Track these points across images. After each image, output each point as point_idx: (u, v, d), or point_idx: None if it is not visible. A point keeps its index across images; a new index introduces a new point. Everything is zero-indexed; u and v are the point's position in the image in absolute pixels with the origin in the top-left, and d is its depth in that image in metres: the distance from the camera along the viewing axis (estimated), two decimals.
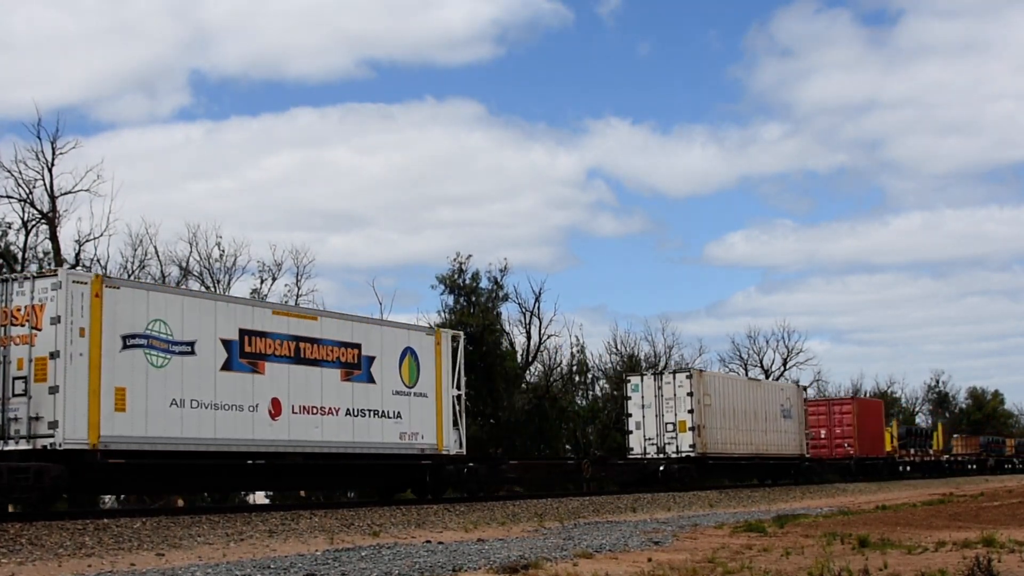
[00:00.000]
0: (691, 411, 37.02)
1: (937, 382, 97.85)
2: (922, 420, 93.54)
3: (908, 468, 60.27)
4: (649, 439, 37.61)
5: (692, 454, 36.99)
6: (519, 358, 50.68)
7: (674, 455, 37.11)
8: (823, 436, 51.31)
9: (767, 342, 75.56)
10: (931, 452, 63.93)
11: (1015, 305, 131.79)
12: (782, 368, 75.73)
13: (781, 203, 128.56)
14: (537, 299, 51.11)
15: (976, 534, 16.87)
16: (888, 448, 56.52)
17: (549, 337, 52.22)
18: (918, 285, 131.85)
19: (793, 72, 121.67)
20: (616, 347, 59.30)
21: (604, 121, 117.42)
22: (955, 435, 75.04)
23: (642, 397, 38.10)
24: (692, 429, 36.98)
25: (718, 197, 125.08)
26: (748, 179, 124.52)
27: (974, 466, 70.16)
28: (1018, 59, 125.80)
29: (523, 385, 47.72)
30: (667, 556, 14.66)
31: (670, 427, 37.31)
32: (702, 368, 49.29)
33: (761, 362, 75.60)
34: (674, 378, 38.07)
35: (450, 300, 48.72)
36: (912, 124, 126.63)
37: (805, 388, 49.29)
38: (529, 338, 51.40)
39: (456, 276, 48.76)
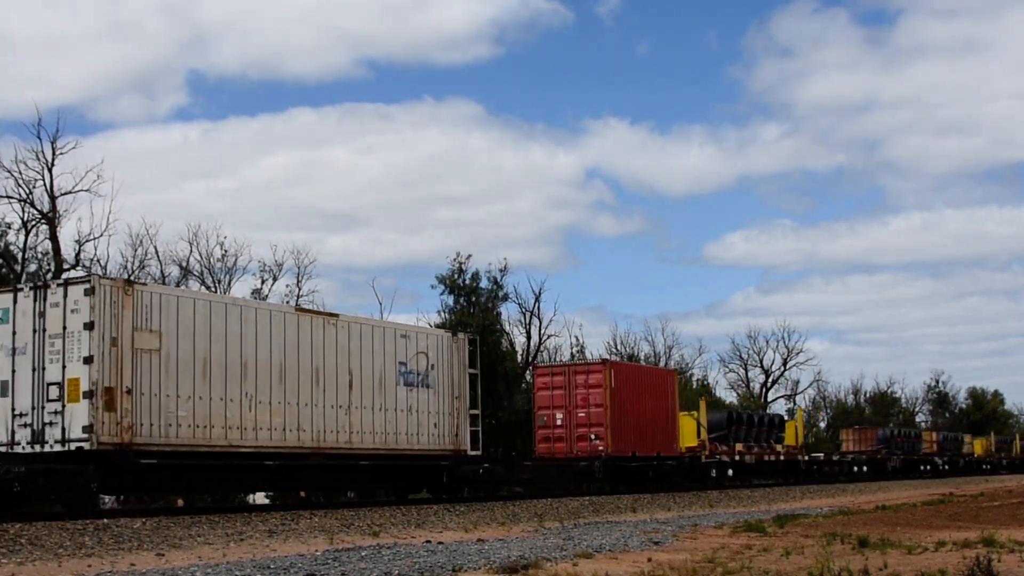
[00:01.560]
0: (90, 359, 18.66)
1: (937, 382, 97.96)
2: (922, 420, 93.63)
3: (730, 472, 41.00)
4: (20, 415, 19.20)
5: (88, 446, 18.57)
6: (519, 358, 50.70)
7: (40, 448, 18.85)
8: (559, 423, 33.62)
9: (767, 342, 75.66)
10: (780, 449, 45.82)
11: (1015, 305, 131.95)
12: (782, 368, 75.91)
13: (780, 203, 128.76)
14: (537, 299, 51.19)
15: (976, 534, 16.87)
16: (691, 443, 38.62)
17: (549, 337, 52.28)
18: (918, 285, 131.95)
19: (792, 72, 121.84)
20: (616, 347, 59.37)
21: (603, 121, 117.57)
22: (847, 428, 64.98)
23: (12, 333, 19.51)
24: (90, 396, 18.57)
25: (717, 197, 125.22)
26: (747, 179, 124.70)
27: (865, 468, 56.28)
28: (1016, 59, 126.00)
29: (523, 385, 47.71)
30: (667, 556, 14.66)
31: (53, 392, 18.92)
32: (130, 277, 33.18)
33: (761, 362, 75.77)
34: (65, 295, 19.09)
35: (450, 300, 48.76)
36: (911, 124, 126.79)
37: (472, 338, 28.83)
38: (529, 338, 51.46)
39: (456, 276, 48.76)
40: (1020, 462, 79.08)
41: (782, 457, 45.29)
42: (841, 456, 56.90)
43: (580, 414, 33.27)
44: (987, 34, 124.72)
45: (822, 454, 54.84)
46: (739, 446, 41.26)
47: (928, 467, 63.40)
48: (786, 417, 52.77)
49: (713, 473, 38.89)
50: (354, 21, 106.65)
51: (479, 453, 27.58)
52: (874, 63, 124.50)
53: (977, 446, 74.20)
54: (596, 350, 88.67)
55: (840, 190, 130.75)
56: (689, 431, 38.36)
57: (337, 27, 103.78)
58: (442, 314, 48.55)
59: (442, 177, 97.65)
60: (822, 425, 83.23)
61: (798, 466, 47.25)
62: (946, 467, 65.38)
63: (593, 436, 32.84)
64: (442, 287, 48.87)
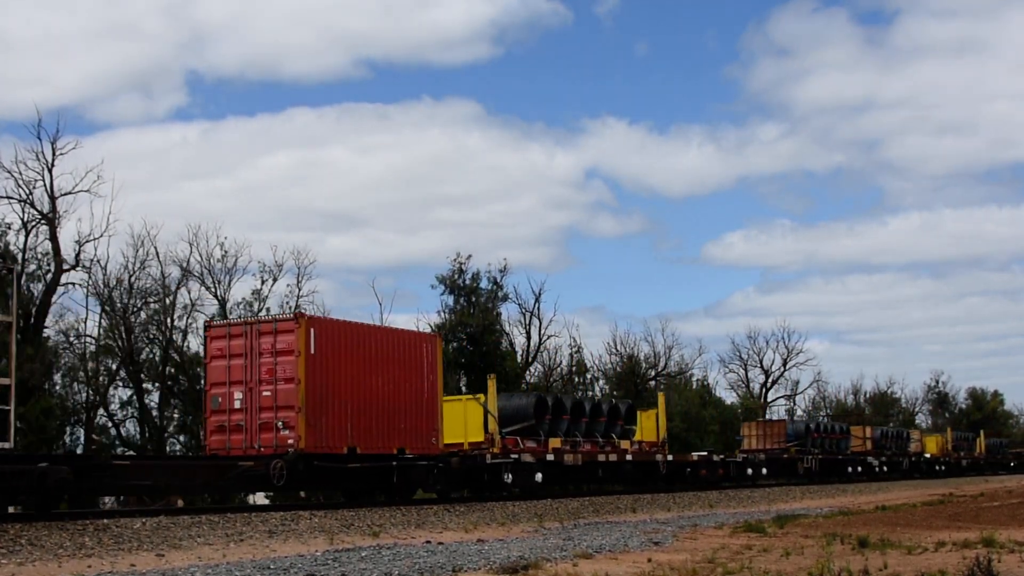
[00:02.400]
0: None
1: (937, 382, 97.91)
2: (922, 420, 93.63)
3: (539, 477, 29.19)
4: None
5: None
6: (519, 358, 50.70)
7: None
8: (238, 406, 23.10)
9: (767, 342, 75.52)
10: (627, 446, 34.37)
11: (1014, 305, 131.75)
12: (782, 368, 75.87)
13: (779, 203, 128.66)
14: (537, 300, 51.17)
15: (976, 534, 16.87)
16: (477, 437, 28.49)
17: (549, 338, 52.26)
18: (917, 285, 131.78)
19: (790, 72, 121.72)
20: (616, 348, 59.32)
21: (601, 121, 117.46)
22: (750, 421, 53.15)
23: None
24: None
25: (716, 197, 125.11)
26: (746, 179, 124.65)
27: (765, 471, 43.48)
28: (1015, 59, 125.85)
29: (523, 385, 47.72)
30: (667, 556, 14.66)
31: None
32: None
33: (761, 362, 75.68)
34: None
35: (450, 300, 48.80)
36: (909, 124, 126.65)
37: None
38: (529, 338, 51.47)
39: (456, 276, 48.79)
40: (984, 463, 72.40)
41: (629, 456, 33.73)
42: (728, 457, 42.66)
43: (265, 392, 22.94)
44: (986, 34, 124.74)
45: (703, 453, 41.65)
46: (555, 441, 30.60)
47: (859, 469, 52.31)
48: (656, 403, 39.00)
49: (508, 478, 28.04)
50: (353, 21, 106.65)
51: (8, 446, 18.64)
52: (873, 63, 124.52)
53: (930, 444, 64.78)
54: (595, 350, 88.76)
55: (839, 190, 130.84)
56: (475, 421, 28.78)
57: (336, 27, 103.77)
58: (442, 314, 48.60)
59: (441, 177, 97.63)
60: None
61: (656, 468, 35.80)
62: (884, 469, 55.06)
63: (280, 424, 22.73)
64: (442, 287, 48.95)
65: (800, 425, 49.97)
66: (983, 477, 62.68)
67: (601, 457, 32.34)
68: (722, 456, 42.00)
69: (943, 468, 63.42)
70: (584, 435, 32.18)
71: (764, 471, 43.02)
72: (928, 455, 62.69)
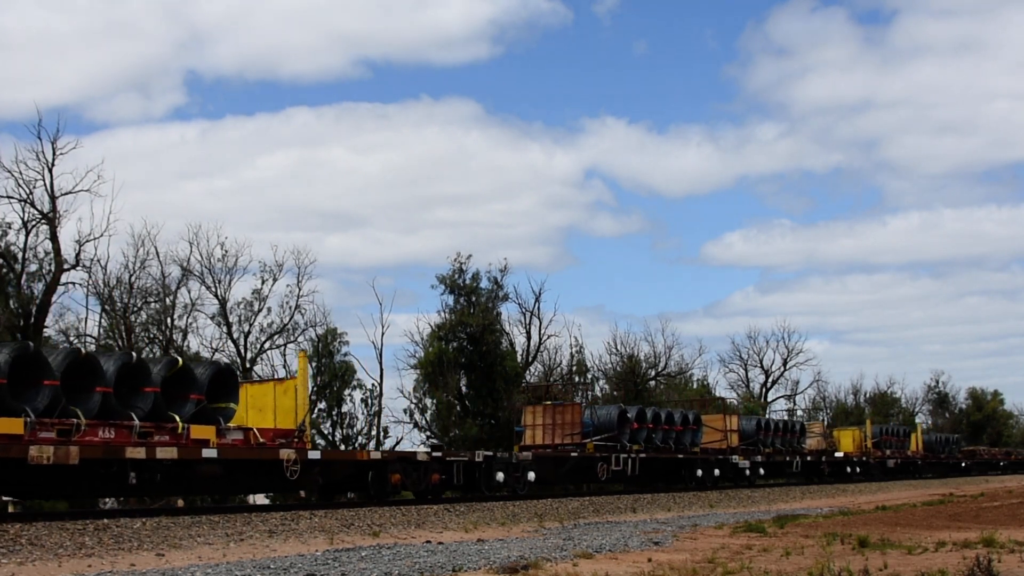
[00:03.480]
0: None
1: (937, 382, 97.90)
2: (922, 421, 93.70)
3: None
4: None
5: None
6: (519, 358, 50.71)
7: None
8: None
9: (767, 342, 75.49)
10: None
11: (1014, 305, 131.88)
12: (782, 368, 75.89)
13: (778, 203, 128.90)
14: (537, 299, 51.19)
15: (976, 534, 16.87)
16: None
17: (549, 337, 52.26)
18: (917, 285, 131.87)
19: (789, 71, 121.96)
20: (616, 347, 59.30)
21: (600, 120, 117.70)
22: (533, 405, 35.74)
23: None
24: None
25: (715, 197, 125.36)
26: (745, 179, 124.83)
27: (533, 475, 27.96)
28: (1014, 59, 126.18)
29: (523, 385, 47.74)
30: (667, 556, 14.66)
31: None
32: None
33: (761, 362, 75.72)
34: None
35: (450, 300, 48.82)
36: (908, 124, 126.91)
37: None
38: (529, 338, 51.47)
39: (456, 276, 48.81)
40: (923, 464, 58.87)
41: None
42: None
43: None
44: (984, 34, 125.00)
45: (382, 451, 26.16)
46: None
47: (714, 472, 37.78)
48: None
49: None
50: (352, 20, 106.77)
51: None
52: (872, 63, 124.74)
53: (845, 439, 51.06)
54: (595, 350, 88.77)
55: (838, 190, 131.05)
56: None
57: (334, 27, 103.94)
58: (442, 314, 48.63)
59: (441, 177, 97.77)
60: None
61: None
62: (760, 472, 41.66)
63: None
64: (442, 287, 48.97)
65: (609, 412, 34.27)
66: (922, 481, 52.73)
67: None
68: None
69: (858, 471, 49.47)
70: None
71: (531, 475, 28.05)
72: (841, 454, 48.68)
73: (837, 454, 48.61)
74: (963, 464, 67.05)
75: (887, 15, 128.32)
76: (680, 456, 35.96)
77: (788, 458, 43.57)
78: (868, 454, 51.67)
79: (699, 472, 36.79)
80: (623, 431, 33.39)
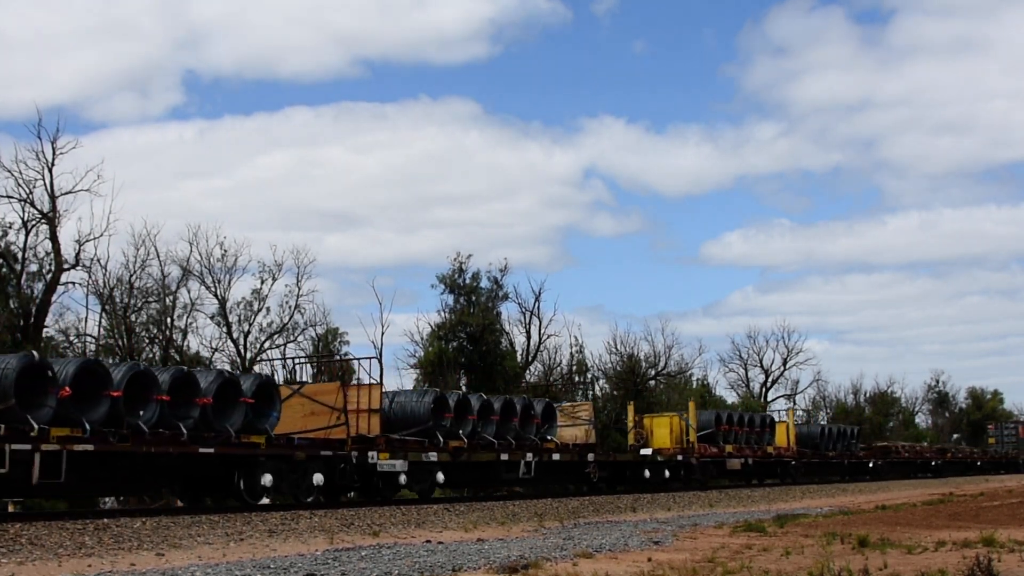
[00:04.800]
0: None
1: (937, 382, 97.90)
2: (921, 421, 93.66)
3: None
4: None
5: None
6: (519, 358, 50.72)
7: None
8: None
9: (767, 342, 75.42)
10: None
11: (1014, 305, 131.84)
12: (782, 368, 75.87)
13: (778, 202, 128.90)
14: (537, 299, 51.19)
15: (976, 534, 16.87)
16: None
17: (549, 337, 52.26)
18: (916, 285, 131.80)
19: (787, 71, 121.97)
20: (616, 347, 59.28)
21: (599, 120, 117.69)
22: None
23: None
24: None
25: (714, 196, 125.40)
26: (744, 178, 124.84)
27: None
28: (1012, 58, 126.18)
29: (523, 385, 47.76)
30: (667, 556, 14.66)
31: None
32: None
33: (761, 362, 75.69)
34: None
35: (450, 300, 48.86)
36: (907, 123, 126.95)
37: None
38: (529, 338, 51.48)
39: (456, 276, 48.84)
40: (795, 464, 45.02)
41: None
42: None
43: None
44: (983, 33, 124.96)
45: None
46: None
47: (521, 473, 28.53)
48: None
49: None
50: (350, 20, 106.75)
51: None
52: (870, 62, 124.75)
53: (659, 431, 37.97)
54: (595, 349, 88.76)
55: (837, 189, 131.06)
56: None
57: (333, 26, 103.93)
58: (442, 314, 48.66)
59: (440, 176, 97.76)
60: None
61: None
62: (602, 478, 32.14)
63: None
64: (442, 287, 49.00)
65: (421, 398, 26.82)
66: (800, 488, 40.35)
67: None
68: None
69: (667, 474, 35.48)
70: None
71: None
72: (649, 451, 36.28)
73: (645, 451, 36.09)
74: (870, 465, 53.22)
75: (885, 14, 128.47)
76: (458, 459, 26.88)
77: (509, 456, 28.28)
78: (686, 451, 36.66)
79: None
80: (439, 422, 26.39)
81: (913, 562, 13.50)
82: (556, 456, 30.27)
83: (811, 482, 45.90)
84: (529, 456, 28.92)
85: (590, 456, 32.01)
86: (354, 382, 27.39)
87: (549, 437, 30.55)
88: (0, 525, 15.81)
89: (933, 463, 61.79)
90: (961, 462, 66.70)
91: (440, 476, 26.33)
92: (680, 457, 36.71)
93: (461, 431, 26.93)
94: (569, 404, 35.47)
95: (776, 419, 46.01)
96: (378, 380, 27.96)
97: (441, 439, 26.20)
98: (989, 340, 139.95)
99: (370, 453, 24.28)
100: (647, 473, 34.68)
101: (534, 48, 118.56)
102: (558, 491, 31.50)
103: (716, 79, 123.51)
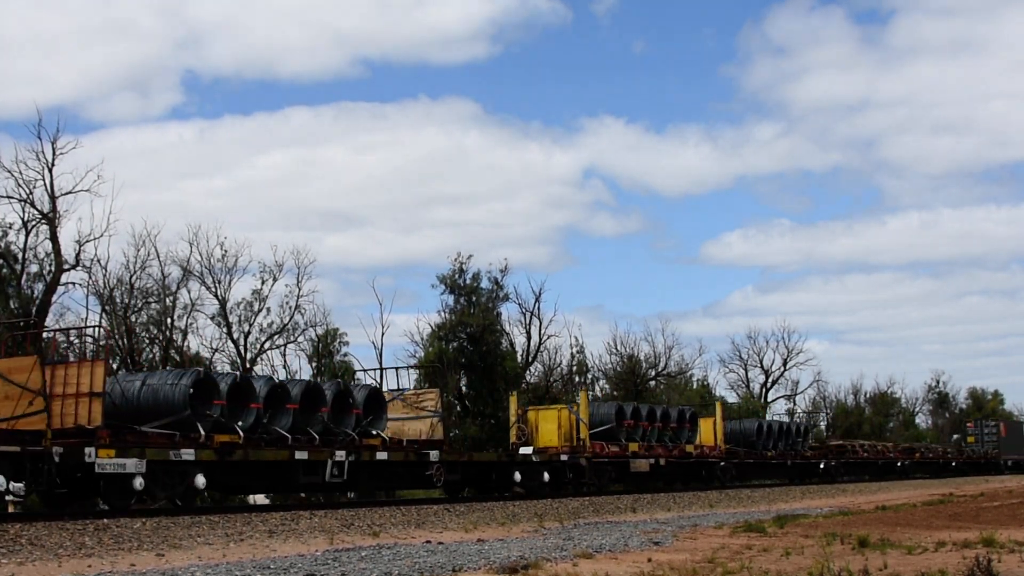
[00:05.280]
0: None
1: (937, 382, 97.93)
2: (921, 421, 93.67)
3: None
4: None
5: None
6: (519, 358, 50.72)
7: None
8: None
9: (767, 342, 75.40)
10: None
11: (1014, 305, 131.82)
12: (782, 368, 75.88)
13: (777, 202, 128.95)
14: (537, 299, 51.21)
15: (976, 534, 16.86)
16: None
17: (549, 337, 52.26)
18: (916, 285, 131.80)
19: (787, 71, 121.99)
20: (616, 347, 59.29)
21: (598, 120, 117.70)
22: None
23: None
24: None
25: (714, 196, 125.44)
26: (743, 178, 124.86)
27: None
28: (1012, 58, 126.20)
29: (523, 385, 47.76)
30: (667, 556, 14.66)
31: None
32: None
33: (761, 362, 75.69)
34: None
35: (450, 300, 48.87)
36: (906, 123, 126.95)
37: None
38: (529, 338, 51.50)
39: (456, 276, 48.85)
40: (724, 466, 40.05)
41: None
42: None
43: None
44: (982, 33, 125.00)
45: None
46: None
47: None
48: None
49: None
50: (349, 20, 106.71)
51: None
52: (869, 62, 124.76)
53: (546, 427, 32.43)
54: (595, 350, 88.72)
55: (837, 189, 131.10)
56: None
57: (332, 26, 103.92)
58: (442, 314, 48.66)
59: (439, 176, 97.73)
60: (822, 426, 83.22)
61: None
62: (452, 482, 27.95)
63: None
64: (443, 287, 49.00)
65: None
66: (727, 492, 35.48)
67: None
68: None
69: (546, 478, 29.90)
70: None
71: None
72: (529, 450, 31.40)
73: (525, 450, 31.29)
74: (821, 466, 48.22)
75: (885, 14, 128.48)
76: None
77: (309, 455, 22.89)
78: (580, 450, 31.68)
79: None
80: (202, 411, 21.29)
81: (913, 562, 13.50)
82: (383, 455, 24.47)
83: (746, 486, 40.73)
84: (340, 455, 23.16)
85: (433, 455, 26.15)
86: (72, 358, 22.31)
87: (376, 432, 24.83)
88: (0, 525, 15.81)
89: (899, 464, 57.11)
90: (932, 463, 62.29)
91: (201, 480, 20.64)
92: (565, 457, 30.95)
93: (240, 423, 21.53)
94: (413, 392, 28.76)
95: (690, 412, 38.94)
96: (101, 355, 22.02)
97: (203, 432, 20.72)
98: (989, 340, 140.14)
99: (88, 450, 18.71)
100: (517, 476, 29.03)
101: (534, 48, 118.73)
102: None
103: (716, 79, 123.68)
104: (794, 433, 46.61)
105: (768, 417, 66.58)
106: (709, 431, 39.86)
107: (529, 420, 33.02)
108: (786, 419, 50.06)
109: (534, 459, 30.16)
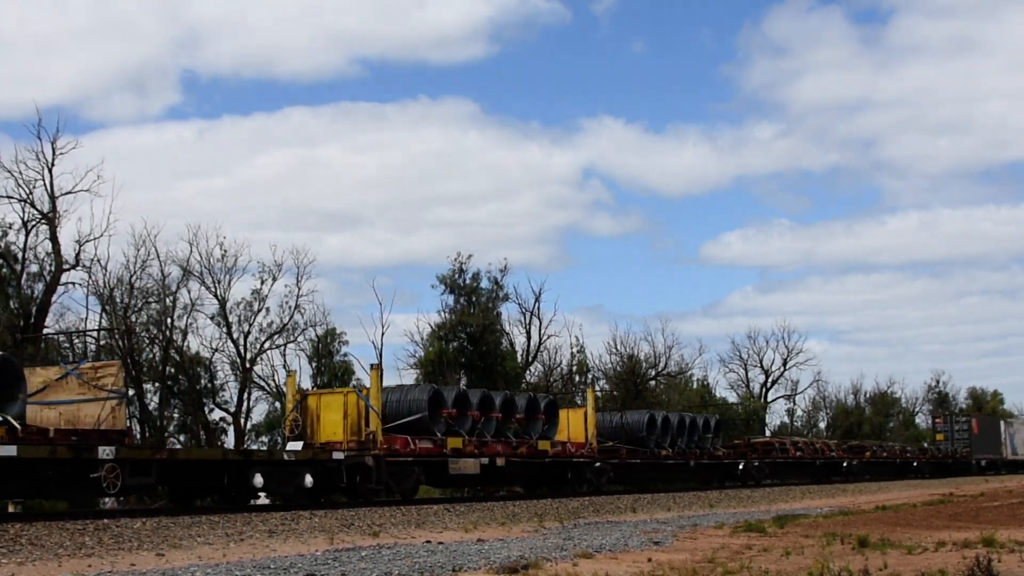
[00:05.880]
0: None
1: (937, 382, 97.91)
2: (921, 421, 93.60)
3: None
4: None
5: None
6: (519, 358, 50.72)
7: None
8: None
9: (767, 342, 75.35)
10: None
11: (1014, 305, 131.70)
12: (782, 368, 75.88)
13: (777, 202, 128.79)
14: (537, 299, 51.18)
15: (976, 534, 16.86)
16: None
17: (549, 337, 52.24)
18: (916, 285, 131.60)
19: (786, 71, 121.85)
20: (616, 347, 59.26)
21: (597, 120, 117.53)
22: None
23: None
24: None
25: (713, 196, 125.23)
26: (743, 178, 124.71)
27: None
28: (1011, 58, 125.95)
29: (523, 385, 47.74)
30: (667, 556, 14.66)
31: None
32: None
33: (761, 362, 75.67)
34: None
35: (450, 300, 48.87)
36: (905, 123, 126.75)
37: None
38: (529, 338, 51.48)
39: (456, 276, 48.85)
40: (599, 467, 33.07)
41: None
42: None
43: None
44: (981, 33, 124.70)
45: None
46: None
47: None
48: None
49: None
50: (348, 20, 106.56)
51: None
52: (868, 62, 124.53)
53: (329, 417, 25.93)
54: (595, 350, 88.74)
55: (836, 189, 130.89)
56: None
57: (331, 26, 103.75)
58: (442, 314, 48.66)
59: (439, 176, 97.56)
60: (822, 425, 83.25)
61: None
62: (143, 486, 21.09)
63: None
64: (443, 287, 49.00)
65: None
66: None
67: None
68: None
69: (309, 483, 23.46)
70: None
71: None
72: (298, 445, 25.20)
73: (294, 445, 25.06)
74: (739, 467, 41.58)
75: (884, 14, 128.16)
76: None
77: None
78: (369, 446, 25.31)
79: None
80: None
81: (913, 562, 13.50)
82: (10, 451, 17.32)
83: (627, 492, 33.42)
84: None
85: (105, 451, 18.75)
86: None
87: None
88: (0, 525, 15.81)
89: (845, 464, 49.46)
90: (887, 464, 54.84)
91: None
92: (342, 455, 24.17)
93: None
94: (90, 366, 21.56)
95: (547, 400, 32.32)
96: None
97: None
98: (989, 340, 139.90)
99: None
100: (259, 480, 21.94)
101: (533, 48, 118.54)
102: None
103: (715, 79, 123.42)
104: (702, 428, 38.98)
105: (769, 419, 66.53)
106: (579, 425, 33.20)
107: (309, 408, 26.00)
108: (690, 414, 40.65)
109: (287, 457, 22.96)
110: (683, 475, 38.89)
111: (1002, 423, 72.78)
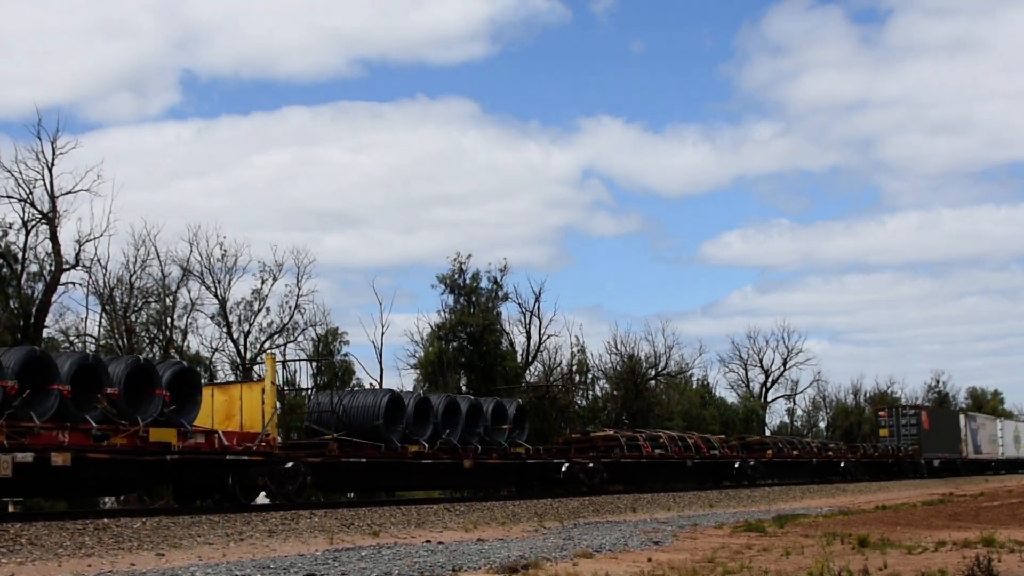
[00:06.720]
0: None
1: (937, 382, 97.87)
2: None
3: None
4: None
5: None
6: (519, 358, 50.67)
7: None
8: None
9: (767, 342, 75.27)
10: None
11: (1014, 305, 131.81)
12: (782, 368, 75.85)
13: (776, 202, 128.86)
14: (537, 299, 51.10)
15: (976, 534, 16.87)
16: None
17: (549, 337, 52.17)
18: (916, 285, 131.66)
19: (785, 70, 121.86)
20: (616, 347, 59.20)
21: (597, 120, 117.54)
22: None
23: None
24: None
25: (713, 196, 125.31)
26: (742, 178, 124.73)
27: None
28: (1010, 58, 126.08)
29: (523, 385, 47.71)
30: (667, 556, 14.66)
31: None
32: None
33: (761, 362, 75.61)
34: None
35: (450, 300, 48.81)
36: (904, 123, 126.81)
37: None
38: (529, 338, 51.39)
39: (456, 276, 48.80)
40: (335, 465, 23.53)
41: None
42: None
43: None
44: (980, 33, 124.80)
45: None
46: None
47: None
48: None
49: None
50: (347, 19, 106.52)
51: None
52: (867, 62, 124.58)
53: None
54: (595, 350, 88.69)
55: (836, 189, 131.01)
56: None
57: (330, 25, 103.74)
58: (442, 314, 48.62)
59: (438, 176, 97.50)
60: (822, 425, 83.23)
61: None
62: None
63: None
64: (442, 287, 48.95)
65: None
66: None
67: None
68: None
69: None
70: None
71: None
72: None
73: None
74: (563, 469, 30.18)
75: (883, 14, 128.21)
76: None
77: None
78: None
79: None
80: None
81: (913, 562, 13.50)
82: None
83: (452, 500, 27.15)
84: None
85: None
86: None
87: None
88: (0, 525, 15.81)
89: (738, 466, 39.28)
90: (803, 464, 44.84)
91: None
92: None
93: None
94: None
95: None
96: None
97: None
98: (989, 340, 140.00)
99: None
100: None
101: (532, 48, 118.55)
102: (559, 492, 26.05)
103: (714, 79, 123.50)
104: (490, 416, 28.34)
105: (769, 419, 66.36)
106: (254, 407, 22.41)
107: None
108: (471, 397, 30.59)
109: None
110: (445, 479, 28.72)
111: (962, 417, 65.54)
